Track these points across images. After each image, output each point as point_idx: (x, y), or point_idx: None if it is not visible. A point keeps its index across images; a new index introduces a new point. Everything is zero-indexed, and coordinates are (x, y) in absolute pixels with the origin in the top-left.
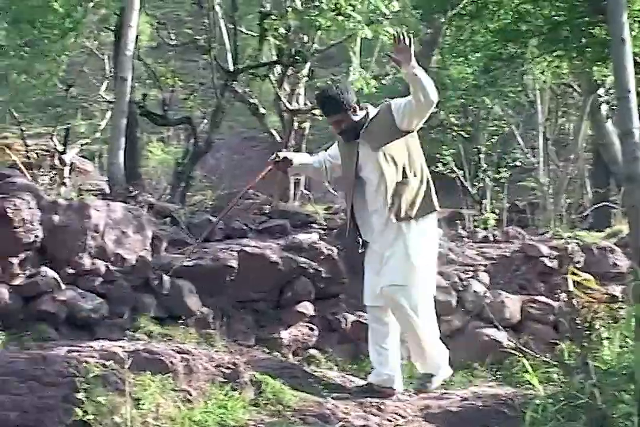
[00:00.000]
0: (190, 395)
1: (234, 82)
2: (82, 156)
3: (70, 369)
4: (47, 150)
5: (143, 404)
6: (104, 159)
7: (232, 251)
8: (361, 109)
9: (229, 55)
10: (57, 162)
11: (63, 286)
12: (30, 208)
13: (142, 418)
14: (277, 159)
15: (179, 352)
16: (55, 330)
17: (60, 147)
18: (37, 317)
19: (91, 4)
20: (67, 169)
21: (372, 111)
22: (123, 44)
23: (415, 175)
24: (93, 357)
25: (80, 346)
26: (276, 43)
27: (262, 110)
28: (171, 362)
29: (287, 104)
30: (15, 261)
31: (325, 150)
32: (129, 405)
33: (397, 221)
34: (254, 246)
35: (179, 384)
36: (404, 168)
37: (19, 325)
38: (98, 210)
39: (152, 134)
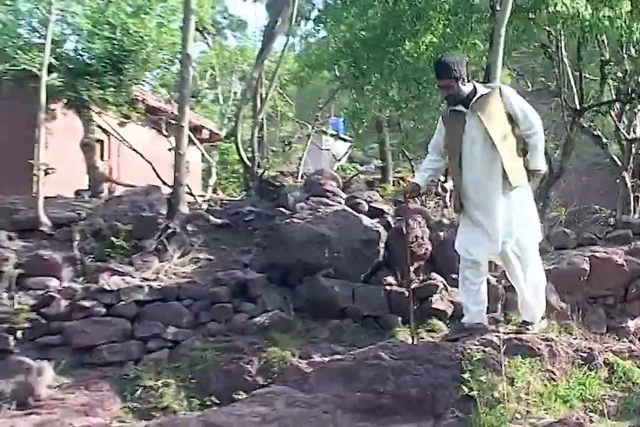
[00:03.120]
0: (554, 374)
1: (581, 119)
2: None
3: (457, 354)
4: (432, 180)
5: (516, 382)
6: None
7: (584, 256)
8: (469, 81)
9: (576, 97)
10: (440, 189)
11: (449, 288)
12: (421, 227)
13: (516, 393)
14: (407, 196)
15: (543, 340)
16: (444, 324)
17: (442, 178)
18: (429, 314)
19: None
20: (448, 195)
21: (481, 88)
22: None
23: (514, 147)
24: (475, 344)
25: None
26: (615, 84)
27: (604, 140)
28: (538, 348)
29: (626, 134)
30: (411, 269)
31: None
32: (505, 383)
33: (511, 185)
34: (602, 252)
35: (544, 365)
36: (514, 142)
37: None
38: None
39: None
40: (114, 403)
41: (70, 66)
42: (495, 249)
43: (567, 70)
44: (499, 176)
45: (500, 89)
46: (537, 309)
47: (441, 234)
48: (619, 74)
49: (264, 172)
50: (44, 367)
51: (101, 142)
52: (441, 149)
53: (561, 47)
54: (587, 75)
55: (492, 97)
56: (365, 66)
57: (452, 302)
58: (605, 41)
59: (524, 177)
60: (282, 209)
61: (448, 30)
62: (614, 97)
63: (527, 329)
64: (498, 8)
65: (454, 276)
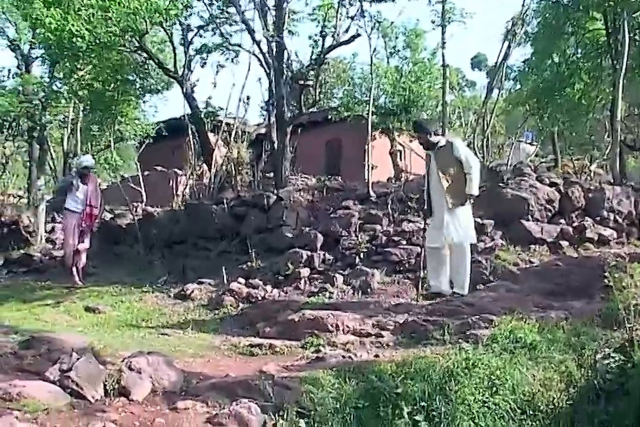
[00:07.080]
0: None
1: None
2: None
3: (600, 262)
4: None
5: (634, 277)
6: None
7: None
8: (437, 135)
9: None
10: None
11: (595, 226)
12: (578, 191)
13: (633, 283)
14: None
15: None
16: (593, 246)
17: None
18: (584, 240)
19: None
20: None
21: (443, 141)
22: None
23: (460, 181)
24: (611, 256)
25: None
26: None
27: None
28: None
29: None
30: (572, 215)
31: None
32: (628, 277)
33: (453, 205)
34: None
35: None
36: (458, 177)
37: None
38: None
39: None
40: (412, 292)
41: (382, 111)
42: (441, 242)
43: None
44: (444, 198)
45: (453, 142)
46: (465, 285)
47: (590, 195)
48: None
49: (490, 163)
50: (375, 272)
51: (400, 151)
52: None
53: None
54: None
55: (446, 147)
56: (543, 103)
57: (597, 233)
58: None
59: (461, 200)
60: (500, 183)
61: (589, 81)
62: None
63: (458, 296)
64: (617, 67)
65: (598, 218)
